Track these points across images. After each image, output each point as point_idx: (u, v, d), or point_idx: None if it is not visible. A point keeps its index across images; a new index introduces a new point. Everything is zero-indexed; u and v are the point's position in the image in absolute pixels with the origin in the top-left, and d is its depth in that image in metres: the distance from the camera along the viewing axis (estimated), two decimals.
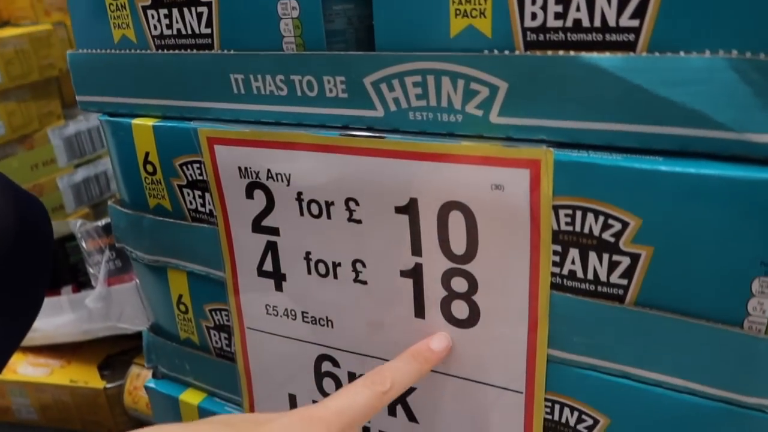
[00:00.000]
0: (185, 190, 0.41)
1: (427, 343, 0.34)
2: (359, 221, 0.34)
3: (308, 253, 0.37)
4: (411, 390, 0.36)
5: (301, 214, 0.36)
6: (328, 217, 0.35)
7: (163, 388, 0.49)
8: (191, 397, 0.48)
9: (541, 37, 0.28)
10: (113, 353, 0.66)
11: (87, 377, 0.64)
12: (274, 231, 0.38)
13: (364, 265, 0.35)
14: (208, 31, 0.37)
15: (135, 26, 0.39)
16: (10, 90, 0.76)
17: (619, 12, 0.26)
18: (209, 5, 0.36)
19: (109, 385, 0.63)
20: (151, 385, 0.50)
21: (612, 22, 0.26)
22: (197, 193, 0.40)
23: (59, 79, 0.84)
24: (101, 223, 0.61)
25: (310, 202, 0.35)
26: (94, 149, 0.89)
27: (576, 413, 0.32)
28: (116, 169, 0.44)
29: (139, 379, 0.63)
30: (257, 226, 0.38)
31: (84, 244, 0.61)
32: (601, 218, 0.27)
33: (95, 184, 0.90)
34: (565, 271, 0.29)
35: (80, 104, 0.43)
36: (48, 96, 0.82)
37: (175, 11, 0.37)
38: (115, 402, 0.63)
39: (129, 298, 0.58)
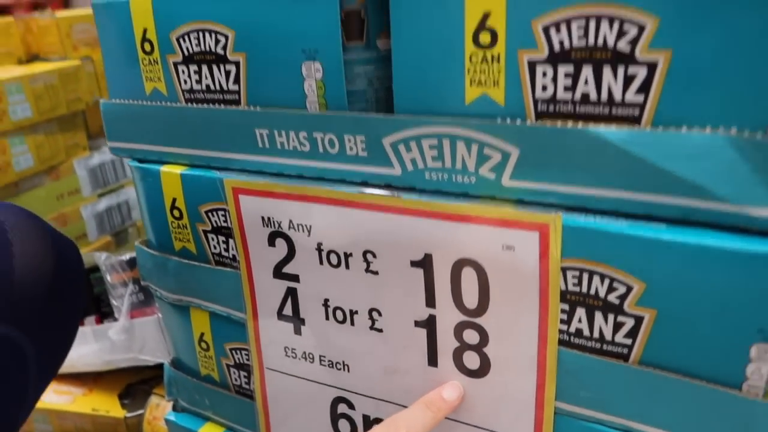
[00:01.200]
0: (210, 235, 0.43)
1: (440, 392, 0.35)
2: (376, 272, 0.36)
3: (326, 300, 0.39)
4: None
5: (321, 263, 0.38)
6: (347, 267, 0.37)
7: (183, 422, 0.51)
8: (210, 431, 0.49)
9: (551, 108, 0.29)
10: (133, 382, 0.68)
11: (108, 406, 0.65)
12: (295, 278, 0.40)
13: (380, 314, 0.37)
14: (236, 87, 0.39)
15: (166, 80, 0.41)
16: (39, 123, 0.79)
17: (625, 87, 0.27)
18: (237, 64, 0.38)
19: (129, 415, 0.65)
20: (171, 418, 0.52)
21: (618, 97, 0.28)
22: (221, 238, 0.42)
23: (85, 112, 0.87)
24: (126, 257, 0.63)
25: (329, 252, 0.37)
26: (117, 179, 0.92)
27: None
28: (144, 213, 0.46)
29: (159, 409, 0.65)
30: (278, 273, 0.40)
31: (108, 277, 0.63)
32: (607, 281, 0.29)
33: (117, 213, 0.93)
34: (572, 329, 0.31)
35: (111, 149, 0.46)
36: (74, 128, 0.85)
37: (204, 68, 0.39)
38: (134, 431, 0.65)
39: (151, 331, 0.60)
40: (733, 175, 0.26)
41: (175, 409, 0.52)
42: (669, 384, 0.28)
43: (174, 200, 0.43)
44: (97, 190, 0.89)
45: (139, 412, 0.65)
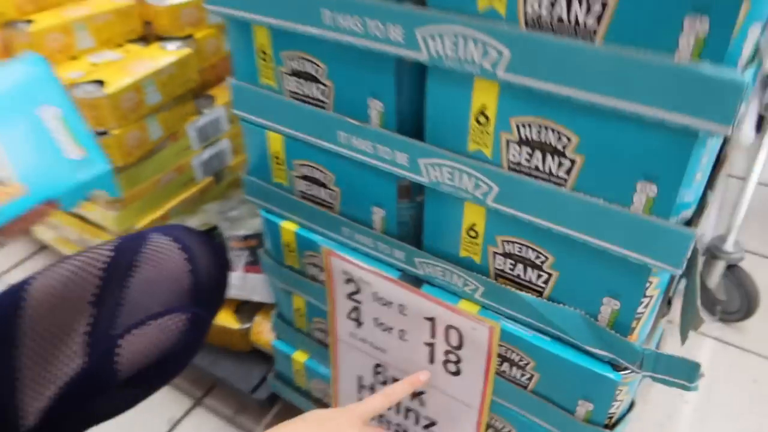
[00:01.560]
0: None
1: (418, 375, 0.67)
2: (406, 315, 0.66)
3: (376, 318, 0.69)
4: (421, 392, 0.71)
5: (374, 300, 0.68)
6: (389, 307, 0.67)
7: (284, 348, 0.85)
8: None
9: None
10: (241, 302, 1.02)
11: (226, 320, 1.00)
12: (358, 302, 0.70)
13: (405, 333, 0.68)
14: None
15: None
16: (164, 103, 1.05)
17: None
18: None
19: (241, 327, 1.00)
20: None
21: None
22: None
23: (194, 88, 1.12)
24: (242, 233, 0.93)
25: (380, 297, 0.67)
26: (216, 134, 1.19)
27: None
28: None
29: (262, 324, 0.99)
30: (350, 297, 0.70)
31: (227, 243, 0.94)
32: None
33: (216, 159, 1.21)
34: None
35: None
36: (187, 101, 1.11)
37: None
38: (244, 336, 1.00)
39: (259, 282, 0.93)
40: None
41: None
42: None
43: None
44: (202, 144, 1.16)
45: (248, 325, 1.00)
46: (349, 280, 0.69)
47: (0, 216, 0.50)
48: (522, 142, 0.48)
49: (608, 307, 0.52)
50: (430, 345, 0.66)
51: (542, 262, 0.53)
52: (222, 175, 1.25)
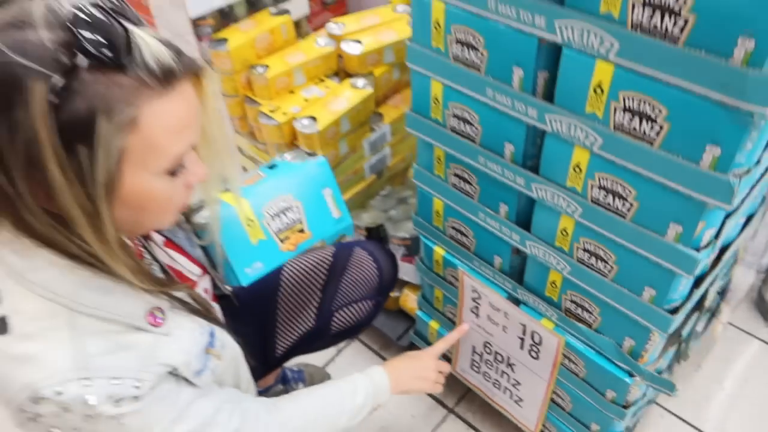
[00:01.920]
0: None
1: (463, 326, 1.10)
2: (507, 318, 1.06)
3: (488, 315, 1.10)
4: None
5: (488, 305, 1.08)
6: (497, 311, 1.07)
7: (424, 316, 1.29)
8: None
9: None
10: None
11: None
12: (478, 304, 1.11)
13: (506, 328, 1.08)
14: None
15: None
16: (352, 129, 1.47)
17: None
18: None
19: (394, 294, 1.45)
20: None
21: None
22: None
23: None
24: (402, 234, 1.35)
25: (492, 304, 1.07)
26: (382, 143, 1.60)
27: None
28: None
29: (408, 296, 1.43)
30: (472, 299, 1.11)
31: (389, 239, 1.37)
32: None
33: (380, 162, 1.63)
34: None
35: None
36: (365, 123, 1.52)
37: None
38: (395, 300, 1.45)
39: (410, 271, 1.36)
40: None
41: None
42: None
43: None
44: (371, 152, 1.58)
45: (397, 294, 1.45)
46: (474, 290, 1.10)
47: (298, 249, 0.95)
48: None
49: (629, 342, 0.89)
50: (521, 339, 1.06)
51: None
52: (383, 173, 1.67)
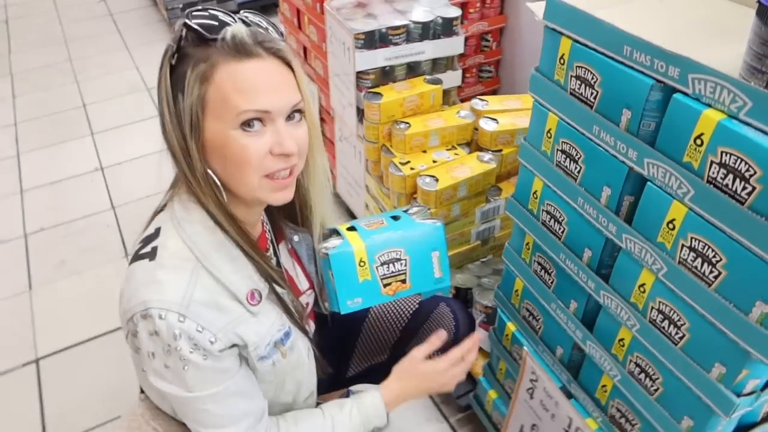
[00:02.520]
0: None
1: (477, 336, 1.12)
2: (557, 406, 1.12)
3: (541, 400, 1.16)
4: None
5: (543, 390, 1.14)
6: (550, 397, 1.13)
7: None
8: None
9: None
10: None
11: None
12: (534, 386, 1.17)
13: (554, 417, 1.13)
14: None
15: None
16: (468, 196, 1.60)
17: None
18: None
19: None
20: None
21: None
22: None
23: None
24: (485, 303, 1.45)
25: (546, 390, 1.13)
26: (494, 216, 1.72)
27: None
28: None
29: (477, 360, 1.52)
30: (530, 381, 1.18)
31: (475, 303, 1.47)
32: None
33: (488, 231, 1.74)
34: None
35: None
36: (482, 194, 1.65)
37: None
38: None
39: (485, 337, 1.45)
40: None
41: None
42: None
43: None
44: (482, 221, 1.70)
45: None
46: (533, 372, 1.17)
47: (396, 296, 1.07)
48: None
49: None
50: (566, 431, 1.11)
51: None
52: (488, 241, 1.78)
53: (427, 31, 1.67)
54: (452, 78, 1.80)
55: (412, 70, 1.75)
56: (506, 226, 1.79)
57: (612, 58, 0.80)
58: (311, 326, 1.14)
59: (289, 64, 0.83)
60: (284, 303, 0.94)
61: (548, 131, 0.96)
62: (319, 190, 1.01)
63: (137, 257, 0.86)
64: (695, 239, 0.75)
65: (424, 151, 1.68)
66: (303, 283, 1.08)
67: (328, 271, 1.02)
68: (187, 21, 0.79)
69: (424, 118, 1.68)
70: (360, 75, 1.68)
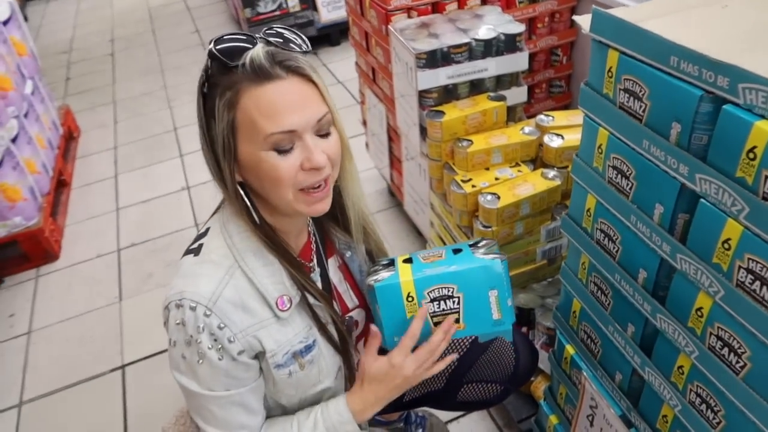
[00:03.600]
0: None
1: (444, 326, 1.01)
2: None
3: (602, 428, 1.10)
4: None
5: (603, 417, 1.09)
6: (610, 426, 1.07)
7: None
8: None
9: None
10: None
11: None
12: (594, 413, 1.11)
13: None
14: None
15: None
16: (532, 214, 1.56)
17: None
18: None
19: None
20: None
21: None
22: None
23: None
24: (548, 324, 1.40)
25: (605, 417, 1.08)
26: (560, 234, 1.66)
27: None
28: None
29: (540, 382, 1.46)
30: (590, 407, 1.12)
31: (537, 324, 1.42)
32: None
33: (554, 250, 1.69)
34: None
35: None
36: (546, 212, 1.60)
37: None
38: (528, 384, 1.49)
39: (546, 359, 1.40)
40: None
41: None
42: None
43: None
44: (548, 239, 1.65)
45: (533, 379, 1.49)
46: (593, 398, 1.11)
47: (448, 335, 1.03)
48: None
49: None
50: None
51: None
52: (555, 260, 1.73)
53: (490, 48, 1.66)
54: (517, 94, 1.78)
55: (476, 87, 1.74)
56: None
57: (660, 69, 0.77)
58: (359, 346, 1.13)
59: (310, 79, 0.85)
60: (315, 314, 0.95)
61: (599, 146, 0.92)
62: (353, 194, 1.03)
63: (187, 252, 0.93)
64: (752, 260, 0.70)
65: (487, 169, 1.66)
66: (350, 301, 1.08)
67: (375, 305, 0.99)
68: (211, 49, 0.83)
69: (487, 136, 1.67)
70: (423, 94, 1.69)
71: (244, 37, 0.86)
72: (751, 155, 0.67)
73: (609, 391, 1.08)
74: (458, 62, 1.66)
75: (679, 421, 0.90)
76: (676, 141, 0.77)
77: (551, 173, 1.60)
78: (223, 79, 0.83)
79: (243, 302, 0.88)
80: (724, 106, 0.69)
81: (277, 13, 3.70)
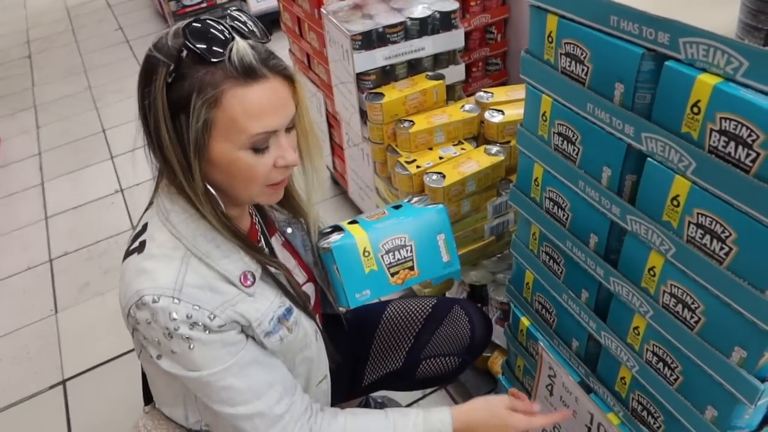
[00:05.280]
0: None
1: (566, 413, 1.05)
2: (578, 403, 1.06)
3: (561, 396, 1.11)
4: None
5: (562, 386, 1.09)
6: (569, 393, 1.08)
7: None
8: None
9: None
10: None
11: None
12: (553, 382, 1.12)
13: (575, 413, 1.08)
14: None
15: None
16: (477, 191, 1.56)
17: None
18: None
19: (485, 354, 1.49)
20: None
21: None
22: None
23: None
24: (501, 299, 1.40)
25: (565, 386, 1.08)
26: (506, 209, 1.67)
27: None
28: None
29: (497, 358, 1.47)
30: (548, 377, 1.13)
31: (490, 299, 1.42)
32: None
33: (501, 225, 1.69)
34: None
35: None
36: (492, 188, 1.60)
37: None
38: (484, 360, 1.49)
39: (501, 334, 1.40)
40: None
41: None
42: None
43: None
44: (495, 215, 1.65)
45: (489, 354, 1.49)
46: (551, 368, 1.12)
47: (405, 284, 1.04)
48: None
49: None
50: (588, 427, 1.06)
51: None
52: (503, 236, 1.73)
53: (426, 26, 1.64)
54: (455, 73, 1.77)
55: (414, 68, 1.72)
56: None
57: (600, 31, 0.76)
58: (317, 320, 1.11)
59: (293, 80, 0.84)
60: (280, 282, 0.93)
61: (543, 114, 0.91)
62: (317, 185, 1.01)
63: (127, 254, 0.87)
64: (702, 215, 0.70)
65: (430, 149, 1.64)
66: (300, 276, 1.06)
67: (333, 266, 1.00)
68: (187, 42, 0.76)
69: (428, 115, 1.65)
70: (360, 76, 1.65)
71: (220, 27, 0.79)
72: (695, 109, 0.67)
73: (566, 359, 1.09)
74: (394, 42, 1.63)
75: (637, 381, 0.91)
76: (620, 102, 0.77)
77: (494, 149, 1.59)
78: (200, 73, 0.77)
79: (209, 284, 0.84)
80: (666, 62, 0.69)
81: (204, 5, 3.57)
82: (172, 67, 0.77)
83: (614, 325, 0.93)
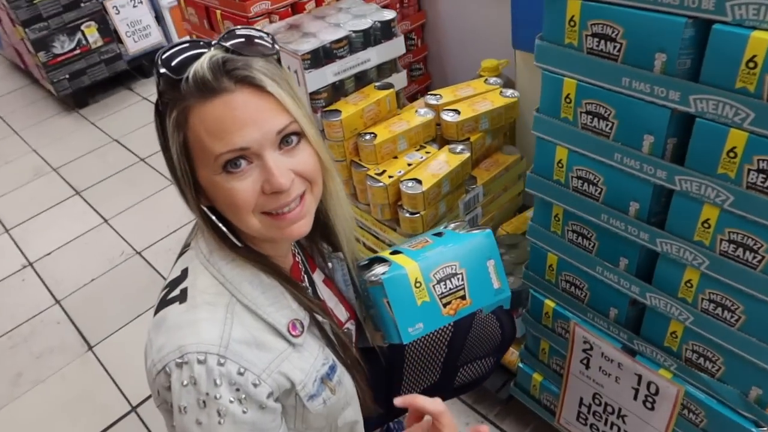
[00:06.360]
0: None
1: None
2: (621, 369, 1.11)
3: (600, 366, 1.15)
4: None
5: (601, 356, 1.13)
6: (610, 362, 1.12)
7: None
8: None
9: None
10: None
11: None
12: (590, 354, 1.16)
13: (619, 379, 1.12)
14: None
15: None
16: (451, 191, 1.57)
17: None
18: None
19: None
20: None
21: None
22: None
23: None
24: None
25: (605, 355, 1.12)
26: (475, 204, 1.70)
27: None
28: None
29: (511, 349, 1.49)
30: (584, 351, 1.16)
31: None
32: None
33: (472, 221, 1.73)
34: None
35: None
36: (461, 185, 1.63)
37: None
38: None
39: (518, 324, 1.42)
40: None
41: None
42: None
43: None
44: (466, 212, 1.68)
45: None
46: (585, 341, 1.15)
47: (458, 315, 0.99)
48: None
49: (756, 391, 0.93)
50: (635, 389, 1.11)
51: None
52: (475, 218, 1.77)
53: (369, 38, 1.63)
54: (399, 80, 1.77)
55: (360, 80, 1.70)
56: (487, 211, 1.78)
57: (633, 7, 0.80)
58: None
59: (264, 89, 0.72)
60: (326, 334, 0.86)
61: (566, 96, 0.95)
62: (339, 212, 0.92)
63: (165, 303, 0.77)
64: (762, 160, 0.76)
65: (395, 157, 1.64)
66: (343, 314, 1.00)
67: (383, 300, 0.92)
68: (157, 62, 0.72)
69: (387, 125, 1.64)
70: (313, 96, 1.61)
71: (197, 45, 0.73)
72: (751, 64, 0.73)
73: (604, 329, 1.13)
74: (341, 57, 1.61)
75: (691, 331, 0.97)
76: (661, 70, 0.81)
77: (459, 147, 1.62)
78: (172, 95, 0.72)
79: (255, 338, 0.75)
80: (715, 26, 0.74)
81: (78, 51, 3.29)
82: (157, 97, 0.75)
83: (661, 284, 0.98)
